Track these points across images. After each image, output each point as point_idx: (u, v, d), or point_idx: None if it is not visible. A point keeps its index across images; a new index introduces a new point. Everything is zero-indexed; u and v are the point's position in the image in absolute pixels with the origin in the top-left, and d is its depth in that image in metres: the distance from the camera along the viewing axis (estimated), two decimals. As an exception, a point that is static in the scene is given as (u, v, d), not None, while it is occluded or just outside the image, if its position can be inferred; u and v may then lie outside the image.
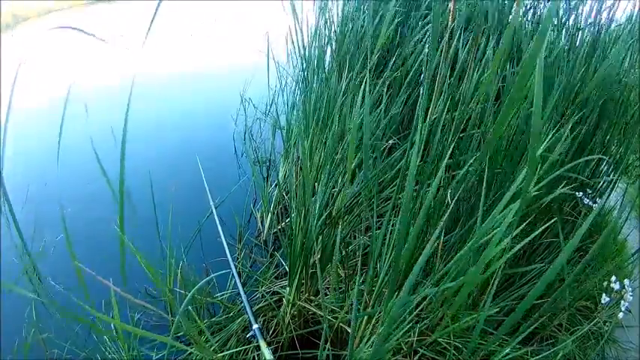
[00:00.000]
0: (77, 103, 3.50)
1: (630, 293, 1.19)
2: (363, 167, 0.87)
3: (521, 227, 0.94)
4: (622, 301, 1.14)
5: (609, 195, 1.53)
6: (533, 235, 0.87)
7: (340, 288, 1.51)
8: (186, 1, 7.87)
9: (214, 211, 1.81)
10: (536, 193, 1.15)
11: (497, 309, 1.14)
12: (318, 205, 1.41)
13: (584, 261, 0.68)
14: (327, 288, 1.50)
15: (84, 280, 0.74)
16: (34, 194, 2.13)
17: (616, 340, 1.45)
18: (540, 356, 1.20)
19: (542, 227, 1.00)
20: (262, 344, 1.18)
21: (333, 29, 2.51)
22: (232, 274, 1.47)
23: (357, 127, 0.86)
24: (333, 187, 1.63)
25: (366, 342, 1.03)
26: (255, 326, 1.23)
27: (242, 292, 1.37)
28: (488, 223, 0.78)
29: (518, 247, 0.82)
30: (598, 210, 1.37)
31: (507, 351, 0.93)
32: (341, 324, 1.37)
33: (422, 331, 1.21)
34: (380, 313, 1.13)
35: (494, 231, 0.74)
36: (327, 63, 2.48)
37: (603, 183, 1.55)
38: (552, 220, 1.25)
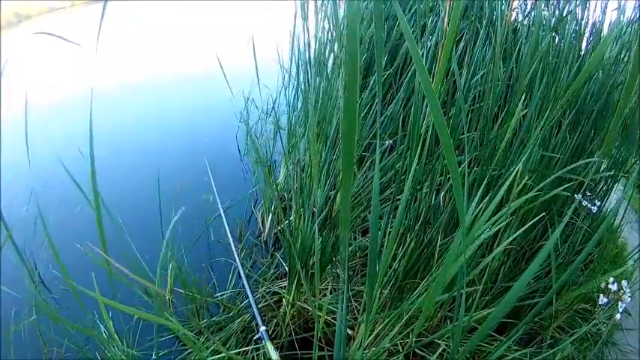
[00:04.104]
0: (79, 105, 3.50)
1: (629, 294, 1.18)
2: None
3: (519, 230, 0.93)
4: (619, 303, 1.13)
5: (608, 197, 1.52)
6: (509, 243, 0.86)
7: (340, 289, 1.51)
8: (189, 2, 7.89)
9: (222, 212, 1.82)
10: (535, 194, 1.15)
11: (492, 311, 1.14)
12: (318, 205, 1.42)
13: (577, 260, 0.68)
14: (327, 289, 1.51)
15: (72, 279, 0.75)
16: (39, 194, 2.13)
17: (615, 342, 1.45)
18: (539, 358, 1.20)
19: (525, 229, 1.00)
20: (269, 346, 1.18)
21: (332, 29, 2.50)
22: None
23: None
24: (332, 189, 1.63)
25: (359, 345, 1.03)
26: (262, 328, 1.24)
27: (250, 294, 1.37)
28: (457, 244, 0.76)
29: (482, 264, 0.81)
30: (577, 201, 1.36)
31: (502, 352, 0.93)
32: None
33: (420, 332, 1.21)
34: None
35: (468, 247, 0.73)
36: (328, 64, 2.47)
37: (603, 185, 1.55)
38: (552, 222, 1.25)
